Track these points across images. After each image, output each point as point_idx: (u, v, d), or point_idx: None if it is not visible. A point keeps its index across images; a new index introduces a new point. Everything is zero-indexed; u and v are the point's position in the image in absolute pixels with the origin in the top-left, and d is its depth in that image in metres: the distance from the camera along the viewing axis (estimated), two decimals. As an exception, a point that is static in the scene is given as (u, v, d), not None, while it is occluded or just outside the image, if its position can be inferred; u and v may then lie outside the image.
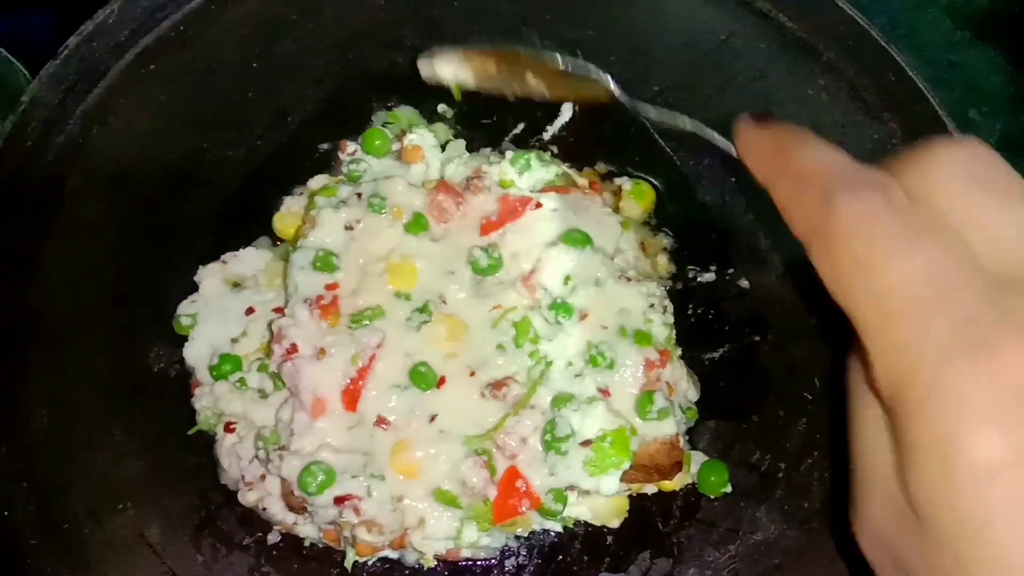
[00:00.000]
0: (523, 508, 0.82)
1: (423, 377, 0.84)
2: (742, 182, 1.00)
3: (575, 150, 1.02)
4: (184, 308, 0.93)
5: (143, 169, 0.97)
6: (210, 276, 0.95)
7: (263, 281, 0.95)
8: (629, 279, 0.89)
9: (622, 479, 0.83)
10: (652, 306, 0.88)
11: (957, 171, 0.53)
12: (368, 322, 0.86)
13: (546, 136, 1.03)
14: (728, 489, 0.90)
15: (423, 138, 0.96)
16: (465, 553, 0.88)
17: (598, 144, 1.02)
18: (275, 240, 0.99)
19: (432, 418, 0.84)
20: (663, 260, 0.99)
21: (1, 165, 0.91)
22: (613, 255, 0.91)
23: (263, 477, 0.87)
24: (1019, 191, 0.53)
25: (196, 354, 0.92)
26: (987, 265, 0.50)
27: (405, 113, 1.02)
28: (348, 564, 0.88)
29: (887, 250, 0.50)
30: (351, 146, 0.98)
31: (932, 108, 0.96)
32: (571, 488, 0.83)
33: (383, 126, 1.00)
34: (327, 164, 0.99)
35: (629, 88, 1.01)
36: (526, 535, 0.90)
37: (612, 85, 0.91)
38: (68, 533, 0.87)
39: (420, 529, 0.82)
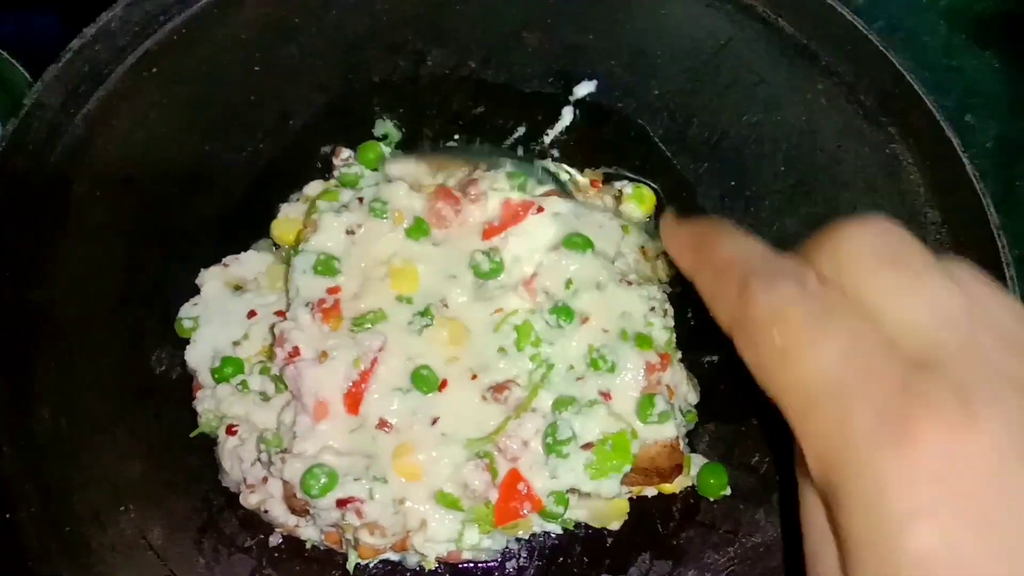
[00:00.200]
0: (524, 511, 0.82)
1: (425, 380, 0.84)
2: (741, 186, 1.01)
3: (576, 154, 1.02)
4: (186, 311, 0.94)
5: (146, 172, 0.97)
6: (212, 279, 0.95)
7: (264, 284, 0.96)
8: (630, 283, 0.89)
9: (623, 482, 0.84)
10: (653, 309, 0.89)
11: (864, 251, 0.54)
12: (370, 325, 0.86)
13: (547, 140, 1.03)
14: (728, 492, 0.91)
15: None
16: (466, 555, 0.88)
17: (599, 148, 1.02)
18: (276, 243, 0.99)
19: (434, 421, 0.84)
20: (663, 264, 0.99)
21: (5, 167, 0.91)
22: (614, 259, 0.91)
23: (265, 480, 0.87)
24: (925, 266, 0.53)
25: (198, 357, 0.92)
26: (901, 344, 0.50)
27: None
28: (350, 566, 0.88)
29: (802, 338, 0.51)
30: (345, 152, 0.99)
31: (930, 112, 0.96)
32: (572, 491, 0.83)
33: (383, 137, 1.01)
34: (329, 168, 1.00)
35: (629, 92, 1.03)
36: (527, 537, 0.91)
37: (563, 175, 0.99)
38: (71, 535, 0.87)
39: (422, 531, 0.82)
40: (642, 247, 0.98)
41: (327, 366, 0.84)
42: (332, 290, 0.88)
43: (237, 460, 0.88)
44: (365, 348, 0.85)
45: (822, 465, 0.50)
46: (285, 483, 0.83)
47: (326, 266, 0.88)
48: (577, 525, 0.90)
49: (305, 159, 1.01)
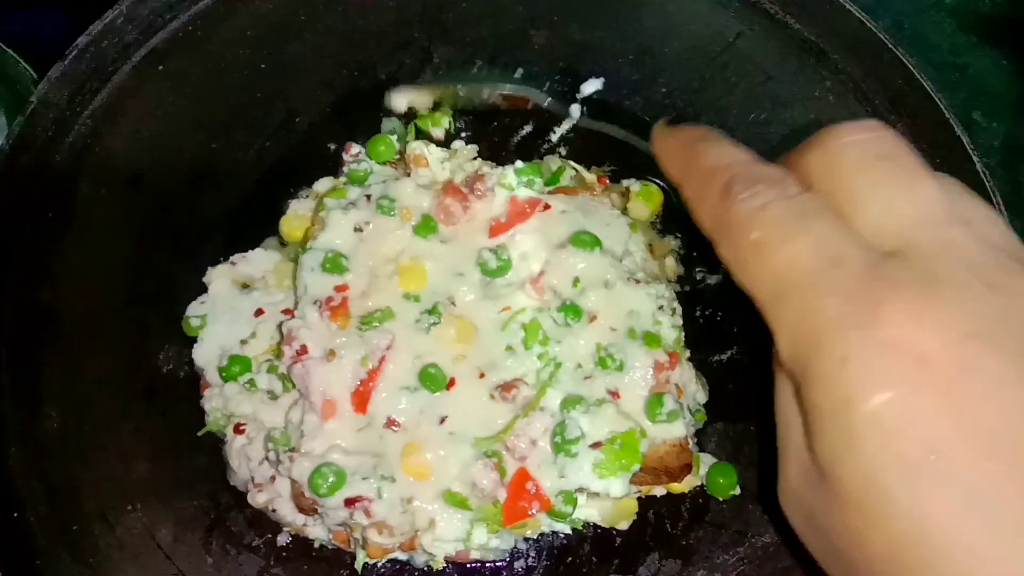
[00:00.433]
0: (533, 510, 0.82)
1: (433, 379, 0.84)
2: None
3: (583, 151, 1.02)
4: (193, 309, 0.94)
5: (153, 169, 0.96)
6: (219, 277, 0.95)
7: (272, 282, 0.95)
8: (638, 281, 0.89)
9: (631, 481, 0.83)
10: (661, 308, 0.88)
11: (856, 147, 0.57)
12: (378, 324, 0.86)
13: (553, 138, 1.03)
14: (737, 491, 0.91)
15: (427, 149, 0.97)
16: (475, 555, 0.88)
17: (606, 145, 1.02)
18: (283, 241, 0.99)
19: (442, 420, 0.84)
20: (671, 262, 0.99)
21: (11, 166, 0.91)
22: (622, 257, 0.91)
23: (273, 479, 0.87)
24: (914, 167, 0.55)
25: (205, 355, 0.92)
26: (872, 235, 0.53)
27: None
28: (358, 566, 0.88)
29: (777, 234, 0.54)
30: (355, 147, 0.99)
31: (939, 111, 0.96)
32: (580, 490, 0.83)
33: (391, 132, 1.00)
34: (336, 165, 1.00)
35: (637, 89, 1.03)
36: (535, 537, 0.91)
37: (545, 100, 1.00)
38: (78, 534, 0.87)
39: (430, 531, 0.82)
40: (650, 245, 0.98)
41: (335, 364, 0.84)
42: (340, 288, 0.88)
43: (245, 459, 0.88)
44: (373, 346, 0.85)
45: (792, 348, 0.53)
46: (293, 482, 0.83)
47: (334, 264, 0.88)
48: (586, 525, 0.90)
49: (312, 157, 1.01)
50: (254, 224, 0.98)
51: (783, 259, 0.53)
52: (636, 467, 0.82)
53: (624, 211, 0.98)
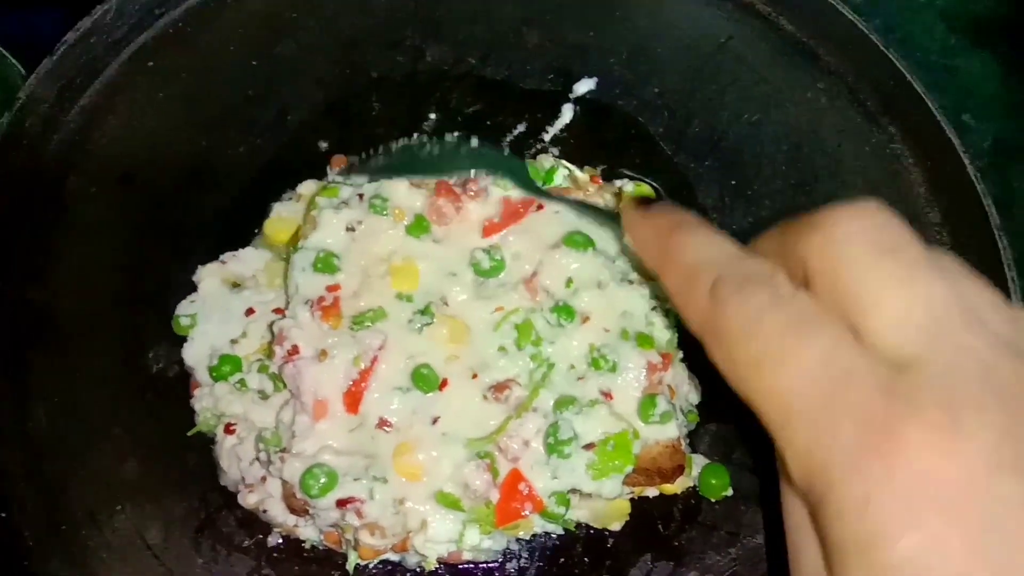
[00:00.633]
0: (525, 511, 0.82)
1: (425, 379, 0.84)
2: (741, 186, 1.01)
3: (576, 151, 1.02)
4: (183, 308, 0.93)
5: (143, 167, 0.96)
6: (209, 276, 0.94)
7: (263, 281, 0.95)
8: (631, 282, 0.89)
9: (624, 482, 0.83)
10: (654, 309, 0.88)
11: (858, 239, 0.51)
12: (370, 324, 0.85)
13: (546, 137, 1.03)
14: (729, 492, 0.91)
15: None
16: (467, 556, 0.88)
17: (599, 146, 1.02)
18: (269, 243, 0.98)
19: (434, 420, 0.83)
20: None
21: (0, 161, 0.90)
22: (615, 258, 0.91)
23: (264, 479, 0.86)
24: (917, 258, 0.51)
25: (196, 355, 0.91)
26: (883, 345, 0.49)
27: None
28: (350, 567, 0.87)
29: (777, 348, 0.49)
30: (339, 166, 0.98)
31: (931, 112, 0.97)
32: (573, 491, 0.83)
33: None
34: (327, 165, 0.99)
35: (630, 89, 1.03)
36: (528, 538, 0.90)
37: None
38: (68, 534, 0.86)
39: (422, 532, 0.82)
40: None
41: (326, 365, 0.83)
42: (332, 288, 0.87)
43: (235, 459, 0.87)
44: (365, 346, 0.84)
45: (807, 479, 0.49)
46: (284, 483, 0.83)
47: (326, 263, 0.87)
48: (578, 526, 0.90)
49: (303, 155, 1.00)
50: (245, 222, 0.97)
51: (787, 377, 0.49)
52: (629, 468, 0.82)
53: (617, 211, 0.98)
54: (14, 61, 1.09)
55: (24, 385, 0.88)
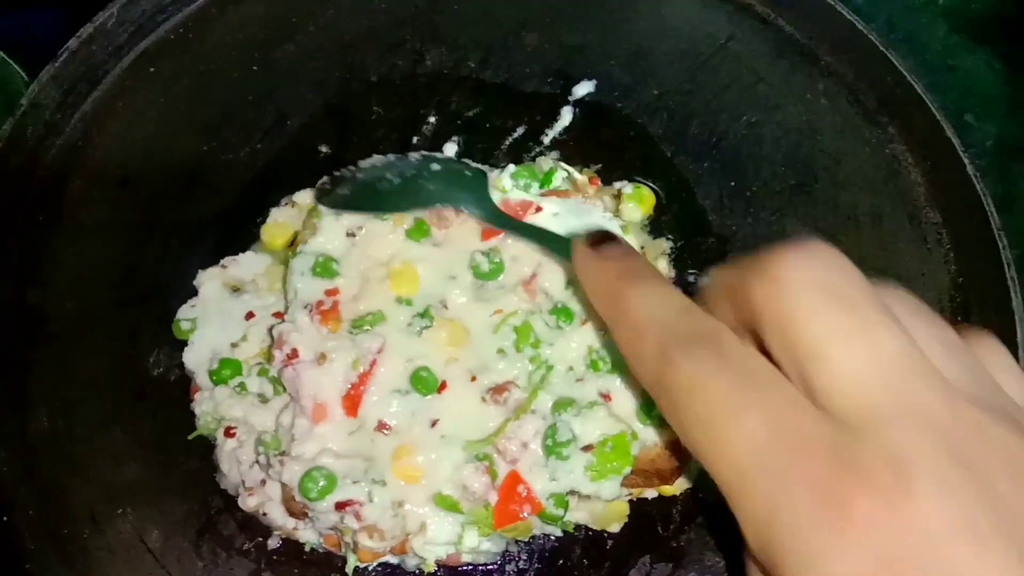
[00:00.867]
0: (524, 513, 0.82)
1: (424, 382, 0.84)
2: (741, 186, 1.01)
3: (575, 154, 1.02)
4: (183, 312, 0.93)
5: (143, 172, 0.96)
6: (210, 280, 0.94)
7: (263, 285, 0.95)
8: (630, 283, 0.89)
9: (623, 484, 0.83)
10: (653, 310, 0.88)
11: (810, 287, 0.50)
12: (369, 327, 0.86)
13: (546, 140, 1.03)
14: (728, 493, 0.90)
15: None
16: (466, 558, 0.88)
17: (598, 148, 1.02)
18: (267, 248, 0.98)
19: (433, 423, 0.84)
20: (663, 264, 0.99)
21: (1, 167, 0.91)
22: (614, 259, 0.91)
23: (263, 482, 0.87)
24: (866, 304, 0.50)
25: (196, 358, 0.91)
26: (833, 406, 0.48)
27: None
28: (349, 570, 0.87)
29: (724, 411, 0.49)
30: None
31: (930, 112, 0.97)
32: (572, 493, 0.83)
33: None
34: (327, 168, 0.99)
35: (629, 92, 1.03)
36: (527, 540, 0.90)
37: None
38: (68, 537, 0.87)
39: (421, 534, 0.82)
40: (642, 247, 0.98)
41: (326, 368, 0.84)
42: (331, 292, 0.87)
43: (235, 462, 0.88)
44: (364, 350, 0.84)
45: (762, 548, 0.48)
46: (284, 486, 0.83)
47: (325, 268, 0.87)
48: (577, 527, 0.90)
49: (303, 159, 1.00)
50: (245, 227, 0.97)
51: (734, 442, 0.48)
52: (627, 470, 0.82)
53: (616, 213, 0.98)
54: (17, 68, 1.09)
55: (24, 388, 0.89)
